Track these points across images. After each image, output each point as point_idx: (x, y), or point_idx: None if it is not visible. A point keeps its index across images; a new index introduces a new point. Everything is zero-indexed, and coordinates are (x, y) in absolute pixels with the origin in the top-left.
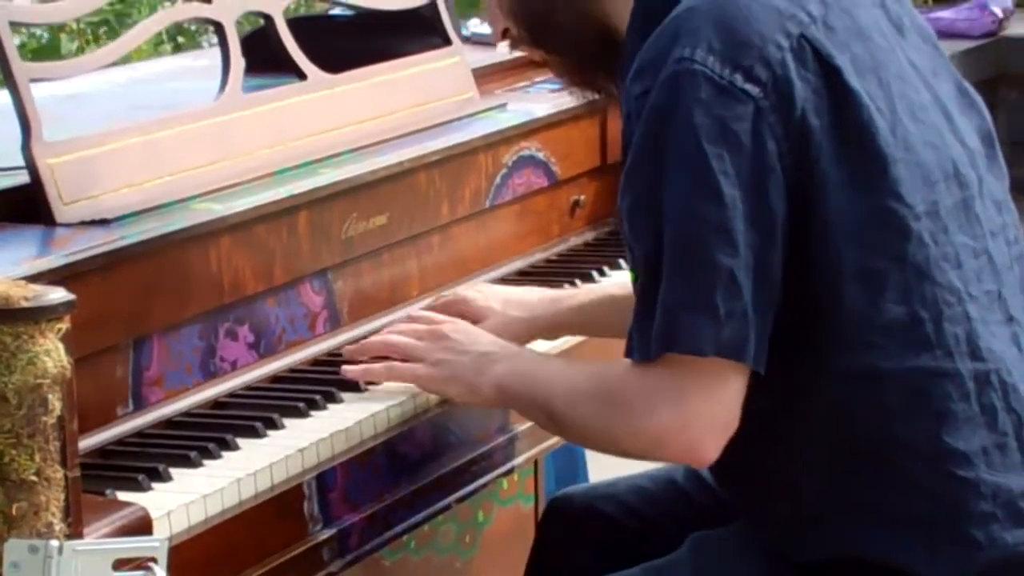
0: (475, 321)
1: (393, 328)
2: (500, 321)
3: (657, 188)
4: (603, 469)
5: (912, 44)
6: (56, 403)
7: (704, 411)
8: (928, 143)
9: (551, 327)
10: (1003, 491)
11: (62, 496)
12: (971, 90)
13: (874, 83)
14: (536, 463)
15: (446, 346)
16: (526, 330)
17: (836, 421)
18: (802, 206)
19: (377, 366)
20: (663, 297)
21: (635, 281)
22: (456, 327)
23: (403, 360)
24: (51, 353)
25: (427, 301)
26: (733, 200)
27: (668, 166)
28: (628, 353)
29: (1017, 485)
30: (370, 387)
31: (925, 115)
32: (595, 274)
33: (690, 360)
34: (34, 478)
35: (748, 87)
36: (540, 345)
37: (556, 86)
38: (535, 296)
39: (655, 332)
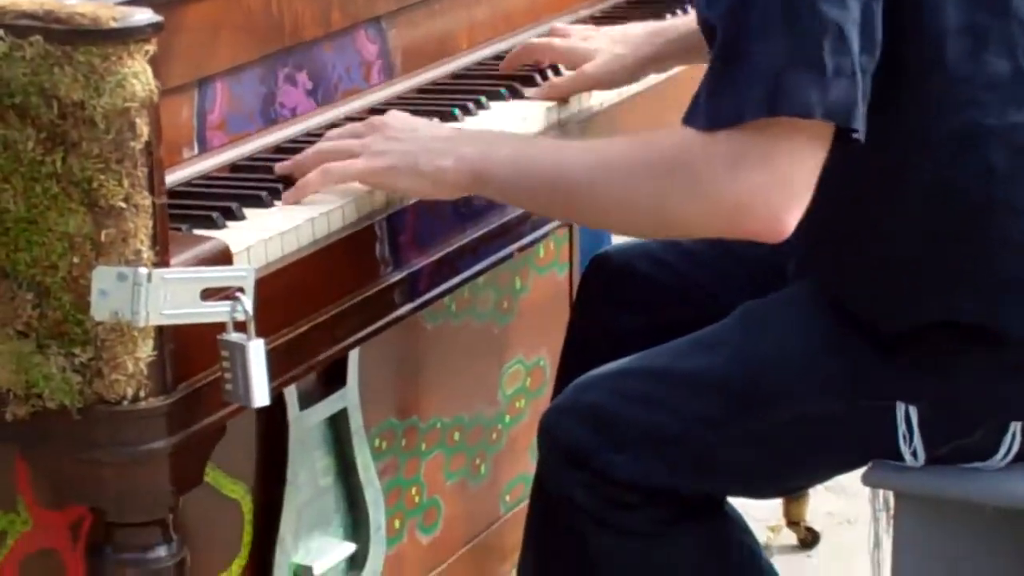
0: (583, 61)
1: (327, 135)
2: (608, 59)
3: None
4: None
5: None
6: (144, 128)
7: (792, 175)
8: None
9: (658, 59)
10: None
11: (150, 223)
12: None
13: None
14: (571, 230)
15: (388, 136)
16: (636, 64)
17: (938, 185)
18: None
19: (311, 175)
20: (761, 57)
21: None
22: (399, 116)
23: None
24: (139, 76)
25: (479, 55)
26: None
27: None
28: (690, 119)
29: None
30: None
31: None
32: None
33: (778, 122)
34: (123, 204)
35: None
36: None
37: None
38: (637, 30)
39: (755, 96)
